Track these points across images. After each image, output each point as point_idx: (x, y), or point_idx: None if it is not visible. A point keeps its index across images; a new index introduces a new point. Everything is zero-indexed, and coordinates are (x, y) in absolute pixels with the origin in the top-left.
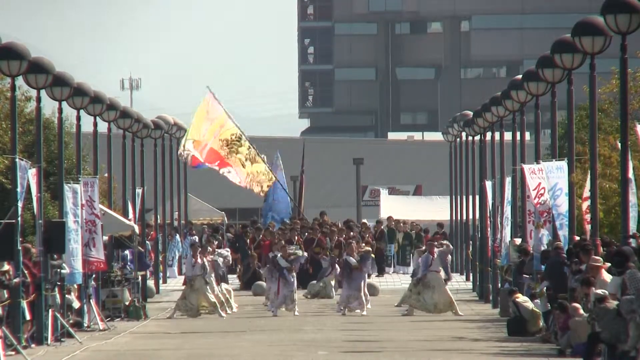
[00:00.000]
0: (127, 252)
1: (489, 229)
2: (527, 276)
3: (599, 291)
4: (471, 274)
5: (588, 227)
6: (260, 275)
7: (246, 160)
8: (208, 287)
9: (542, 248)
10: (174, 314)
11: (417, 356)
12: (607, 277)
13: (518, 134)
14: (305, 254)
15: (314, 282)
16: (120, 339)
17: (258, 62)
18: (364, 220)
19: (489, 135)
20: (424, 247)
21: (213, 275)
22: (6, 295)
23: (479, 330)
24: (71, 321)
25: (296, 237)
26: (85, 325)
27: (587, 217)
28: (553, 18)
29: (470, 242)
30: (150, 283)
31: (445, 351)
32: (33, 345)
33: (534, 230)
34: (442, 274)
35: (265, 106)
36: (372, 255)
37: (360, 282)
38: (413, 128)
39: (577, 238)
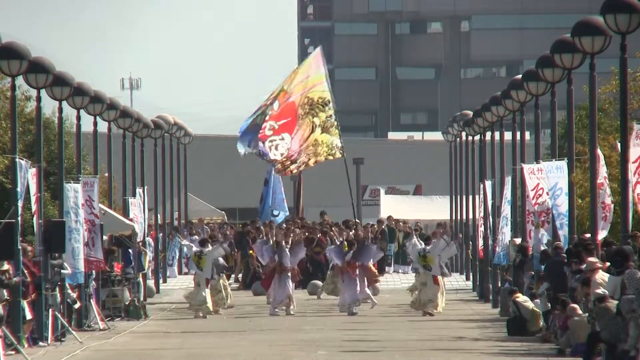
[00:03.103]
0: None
1: (481, 229)
2: (529, 273)
3: (599, 291)
4: (471, 274)
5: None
6: (260, 275)
7: (319, 126)
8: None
9: (542, 248)
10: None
11: (417, 356)
12: (600, 278)
13: (518, 133)
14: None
15: (315, 281)
16: (120, 339)
17: (258, 62)
18: (356, 220)
19: (489, 135)
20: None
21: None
22: (6, 295)
23: (479, 330)
24: (73, 315)
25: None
26: (85, 324)
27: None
28: (553, 18)
29: (470, 242)
30: (150, 283)
31: (445, 351)
32: (40, 343)
33: (534, 230)
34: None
35: None
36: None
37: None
38: (413, 128)
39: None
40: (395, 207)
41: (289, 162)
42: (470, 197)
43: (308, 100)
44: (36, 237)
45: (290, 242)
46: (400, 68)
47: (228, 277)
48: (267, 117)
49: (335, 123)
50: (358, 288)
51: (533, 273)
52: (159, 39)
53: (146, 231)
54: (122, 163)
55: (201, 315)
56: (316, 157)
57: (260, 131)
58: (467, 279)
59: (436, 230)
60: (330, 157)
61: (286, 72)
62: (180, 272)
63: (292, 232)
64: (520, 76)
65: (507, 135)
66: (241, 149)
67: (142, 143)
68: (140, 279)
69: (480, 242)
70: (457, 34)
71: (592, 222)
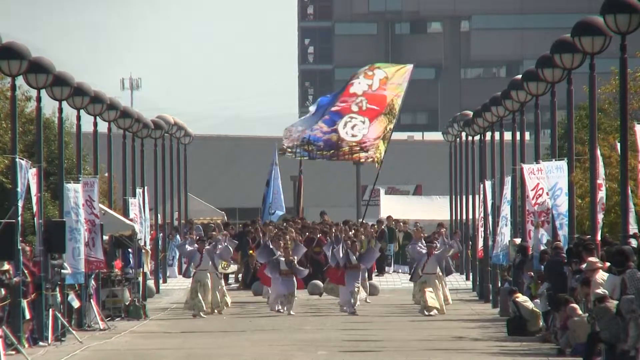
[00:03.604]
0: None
1: (481, 229)
2: (529, 273)
3: (599, 291)
4: (471, 274)
5: None
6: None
7: (387, 132)
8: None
9: (542, 248)
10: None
11: (417, 356)
12: (600, 278)
13: (518, 134)
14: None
15: (315, 281)
16: (121, 339)
17: (258, 62)
18: (361, 220)
19: (488, 135)
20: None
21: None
22: (3, 293)
23: (479, 330)
24: (73, 315)
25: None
26: (85, 324)
27: None
28: (553, 18)
29: (470, 242)
30: (150, 283)
31: (445, 351)
32: (40, 343)
33: (534, 230)
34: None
35: (265, 106)
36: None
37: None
38: (413, 128)
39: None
40: (395, 207)
41: (358, 148)
42: (470, 197)
43: (393, 104)
44: (37, 238)
45: (285, 243)
46: None
47: (227, 278)
48: (360, 92)
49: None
50: (354, 288)
51: (533, 274)
52: (159, 39)
53: (147, 231)
54: (122, 163)
55: (202, 315)
56: (375, 158)
57: (345, 102)
58: (467, 279)
59: (437, 230)
60: (378, 165)
61: (286, 72)
62: (180, 272)
63: (284, 238)
64: (520, 76)
65: (507, 136)
66: (298, 129)
67: (142, 143)
68: (140, 279)
69: (480, 242)
70: (457, 34)
71: (592, 222)
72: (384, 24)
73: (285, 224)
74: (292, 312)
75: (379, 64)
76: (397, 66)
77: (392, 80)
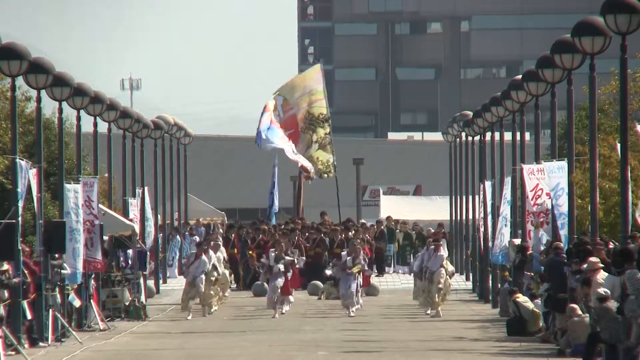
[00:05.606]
0: (128, 251)
1: (481, 229)
2: (528, 274)
3: (601, 290)
4: (471, 274)
5: None
6: (260, 275)
7: (315, 142)
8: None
9: (542, 248)
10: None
11: (417, 356)
12: (601, 278)
13: (518, 134)
14: (302, 259)
15: (315, 282)
16: (121, 339)
17: (258, 62)
18: (363, 220)
19: (488, 135)
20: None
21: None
22: (6, 295)
23: (479, 330)
24: (73, 315)
25: (296, 238)
26: (85, 325)
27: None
28: (553, 18)
29: (470, 242)
30: (150, 283)
31: (445, 351)
32: (40, 343)
33: (533, 231)
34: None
35: None
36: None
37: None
38: (413, 128)
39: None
40: (394, 207)
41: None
42: (470, 198)
43: (309, 116)
44: (37, 238)
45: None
46: (400, 68)
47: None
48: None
49: (331, 141)
50: (353, 287)
51: (533, 274)
52: (159, 39)
53: (150, 230)
54: (122, 163)
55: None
56: (308, 173)
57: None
58: (467, 279)
59: (437, 230)
60: (325, 176)
61: (286, 72)
62: (180, 273)
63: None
64: (520, 76)
65: (507, 136)
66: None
67: (142, 143)
68: (141, 280)
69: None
70: (457, 34)
71: (592, 222)
72: (384, 24)
73: (289, 224)
74: (280, 313)
75: (278, 89)
76: (303, 74)
77: (299, 91)
